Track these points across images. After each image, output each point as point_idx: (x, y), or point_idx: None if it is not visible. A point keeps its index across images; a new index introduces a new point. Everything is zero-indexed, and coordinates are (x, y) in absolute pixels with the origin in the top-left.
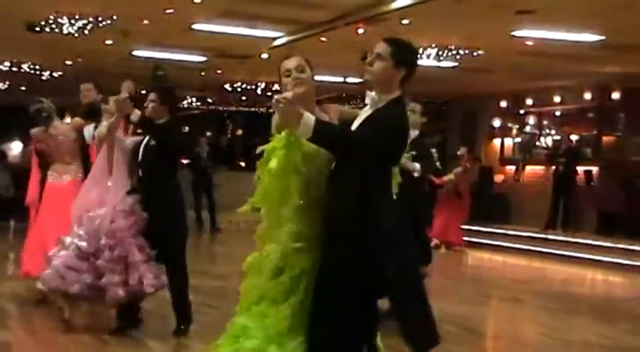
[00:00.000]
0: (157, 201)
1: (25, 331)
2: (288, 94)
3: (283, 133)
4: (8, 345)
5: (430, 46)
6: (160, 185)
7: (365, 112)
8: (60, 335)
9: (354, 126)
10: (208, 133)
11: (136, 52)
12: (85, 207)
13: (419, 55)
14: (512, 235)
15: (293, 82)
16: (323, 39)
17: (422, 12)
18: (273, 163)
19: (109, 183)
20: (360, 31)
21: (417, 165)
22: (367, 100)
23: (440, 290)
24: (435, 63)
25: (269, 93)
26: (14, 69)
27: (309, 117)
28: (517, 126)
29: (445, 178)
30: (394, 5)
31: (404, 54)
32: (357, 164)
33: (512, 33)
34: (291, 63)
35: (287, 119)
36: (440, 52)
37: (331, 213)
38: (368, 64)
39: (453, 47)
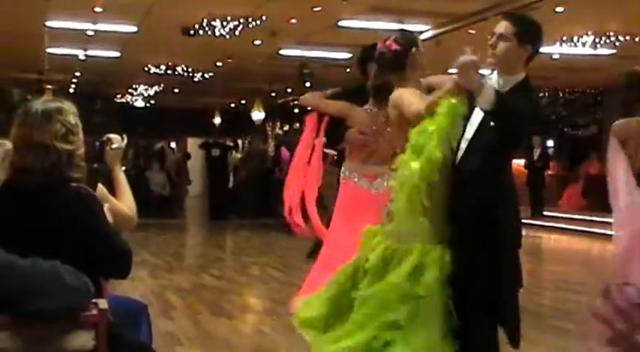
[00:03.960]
0: None
1: (189, 322)
2: (472, 57)
3: (449, 102)
4: (172, 335)
5: (586, 34)
6: None
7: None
8: (221, 327)
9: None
10: None
11: (283, 51)
12: None
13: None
14: None
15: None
16: (471, 31)
17: None
18: (431, 127)
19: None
20: None
21: None
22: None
23: None
24: (590, 51)
25: None
26: (169, 72)
27: (491, 87)
28: None
29: None
30: None
31: (528, 31)
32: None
33: None
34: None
35: (467, 81)
36: (597, 39)
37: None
38: (491, 46)
39: (611, 33)
